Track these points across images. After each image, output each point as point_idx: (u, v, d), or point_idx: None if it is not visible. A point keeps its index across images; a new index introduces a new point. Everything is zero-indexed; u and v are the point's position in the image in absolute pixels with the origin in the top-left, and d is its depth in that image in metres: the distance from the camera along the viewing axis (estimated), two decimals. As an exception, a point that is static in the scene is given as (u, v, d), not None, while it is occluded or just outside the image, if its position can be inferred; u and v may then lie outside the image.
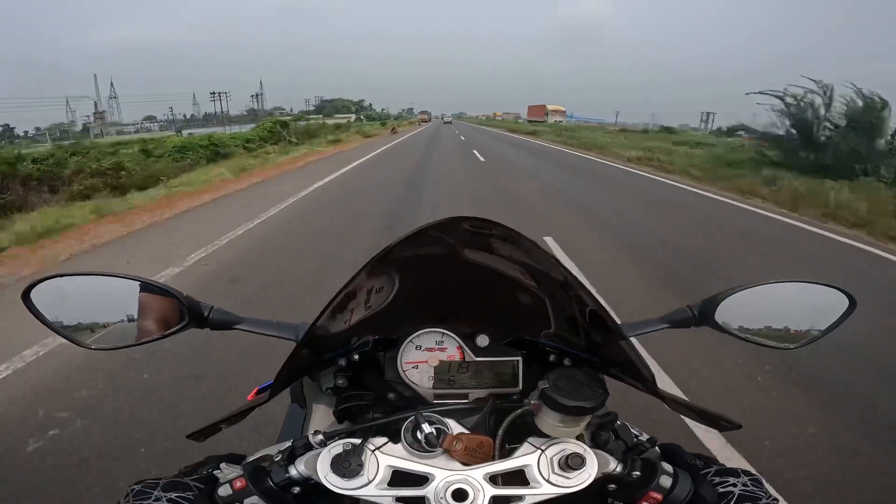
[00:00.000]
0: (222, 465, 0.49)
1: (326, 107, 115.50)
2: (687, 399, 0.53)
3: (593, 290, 0.48)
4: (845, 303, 0.59)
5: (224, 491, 0.46)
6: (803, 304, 0.60)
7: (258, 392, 0.64)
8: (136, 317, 0.55)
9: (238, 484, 0.46)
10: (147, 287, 0.55)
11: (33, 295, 0.52)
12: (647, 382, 0.50)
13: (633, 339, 0.56)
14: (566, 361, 0.61)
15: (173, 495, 0.44)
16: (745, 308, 0.59)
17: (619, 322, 0.49)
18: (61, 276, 0.53)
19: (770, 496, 0.46)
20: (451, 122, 72.71)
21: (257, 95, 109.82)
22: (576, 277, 0.47)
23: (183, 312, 0.56)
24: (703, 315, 0.61)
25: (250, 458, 0.51)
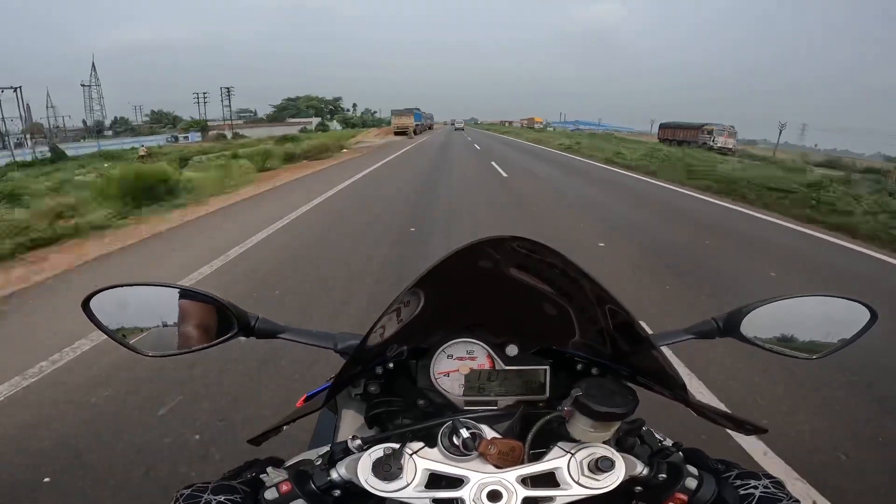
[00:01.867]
0: (268, 470, 0.51)
1: (290, 107, 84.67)
2: (715, 407, 0.54)
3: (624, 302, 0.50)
4: (867, 315, 0.60)
5: (270, 494, 0.48)
6: (826, 317, 0.62)
7: (307, 398, 0.67)
8: (188, 325, 0.59)
9: (284, 488, 0.48)
10: (196, 296, 0.59)
11: (93, 304, 0.56)
12: (677, 391, 0.52)
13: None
14: (594, 370, 0.63)
15: (222, 498, 0.46)
16: (769, 320, 0.61)
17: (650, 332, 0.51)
18: (119, 286, 0.57)
19: (791, 498, 0.48)
20: (462, 129, 63.32)
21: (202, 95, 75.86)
22: (608, 290, 0.49)
23: (231, 321, 0.59)
24: (728, 327, 0.62)
25: (289, 462, 0.53)
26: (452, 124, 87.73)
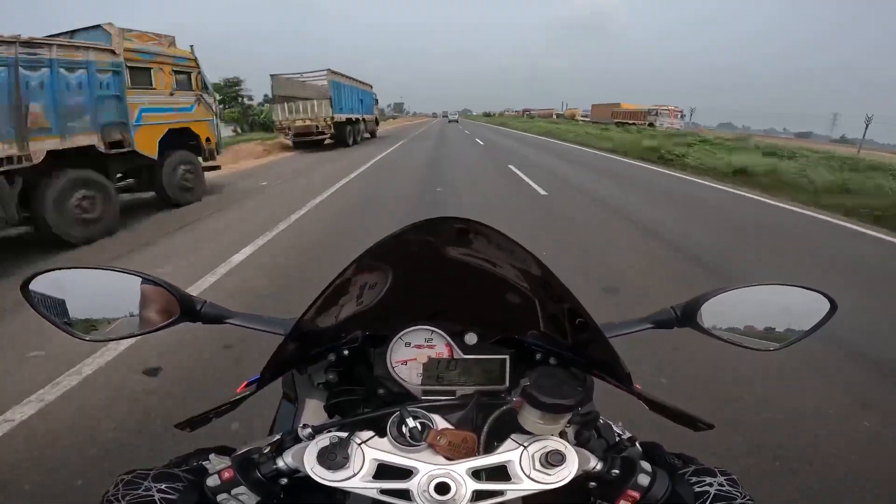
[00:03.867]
0: (211, 457, 0.50)
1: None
2: (664, 400, 0.54)
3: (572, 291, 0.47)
4: (826, 305, 0.60)
5: (212, 481, 0.47)
6: (785, 307, 0.62)
7: (247, 385, 0.65)
8: (131, 310, 0.57)
9: (226, 475, 0.47)
10: (140, 280, 0.57)
11: (32, 287, 0.53)
12: (623, 381, 0.51)
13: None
14: (552, 360, 0.62)
15: (163, 486, 0.45)
16: (728, 310, 0.61)
17: (598, 323, 0.50)
18: (59, 269, 0.55)
19: (745, 496, 0.47)
20: (457, 121, 59.01)
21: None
22: (556, 277, 0.48)
23: (175, 306, 0.57)
24: (686, 316, 0.62)
25: (240, 451, 0.52)
26: (445, 116, 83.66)
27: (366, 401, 0.62)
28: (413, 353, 0.61)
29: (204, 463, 0.50)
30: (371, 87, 21.16)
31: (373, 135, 22.12)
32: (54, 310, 0.55)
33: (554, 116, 69.24)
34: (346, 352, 0.61)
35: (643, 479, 0.49)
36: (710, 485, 0.48)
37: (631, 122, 38.66)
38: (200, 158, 6.94)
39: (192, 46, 6.57)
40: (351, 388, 0.63)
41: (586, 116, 59.96)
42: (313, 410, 0.66)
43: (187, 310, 0.58)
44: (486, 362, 0.62)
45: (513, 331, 0.64)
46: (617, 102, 50.53)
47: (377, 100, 23.09)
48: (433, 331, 0.62)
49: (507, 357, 0.62)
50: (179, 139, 6.38)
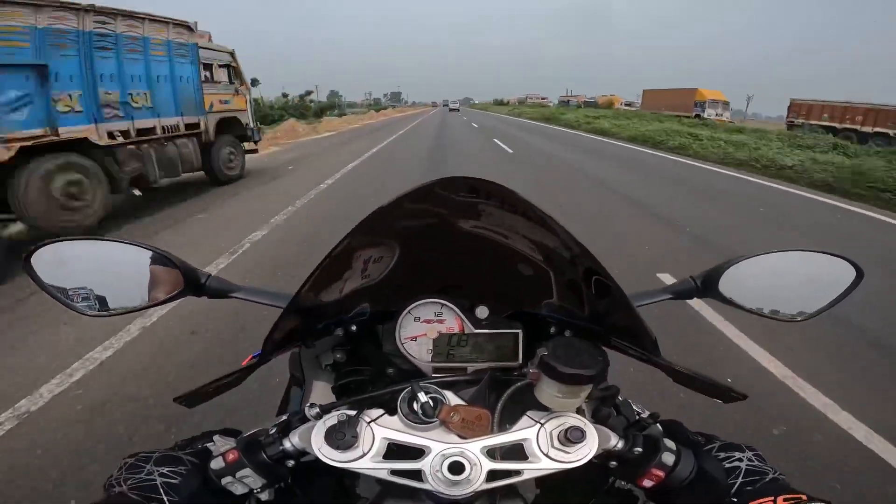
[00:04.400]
0: (215, 438, 0.48)
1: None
2: (691, 370, 0.51)
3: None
4: (852, 273, 0.58)
5: (216, 464, 0.46)
6: (808, 274, 0.59)
7: (251, 359, 0.63)
8: (134, 283, 0.55)
9: (231, 457, 0.45)
10: (147, 254, 0.55)
11: (34, 259, 0.52)
12: (649, 348, 0.49)
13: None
14: (567, 333, 0.60)
15: (166, 469, 0.44)
16: (749, 278, 0.58)
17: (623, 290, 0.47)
18: (61, 240, 0.53)
19: (776, 471, 0.46)
20: (458, 110, 57.95)
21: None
22: (577, 241, 0.45)
23: (180, 280, 0.55)
24: (707, 286, 0.60)
25: (247, 433, 0.50)
26: (445, 105, 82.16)
27: (374, 381, 0.60)
28: (423, 329, 0.59)
29: (208, 445, 0.48)
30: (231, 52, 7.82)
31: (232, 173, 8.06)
32: (57, 282, 0.53)
33: (580, 104, 55.48)
34: (353, 327, 0.59)
35: (668, 458, 0.47)
36: (740, 460, 0.46)
37: (675, 113, 30.48)
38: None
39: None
40: (359, 369, 0.62)
41: (630, 105, 49.53)
42: (321, 392, 0.64)
43: (191, 283, 0.56)
44: (499, 337, 0.60)
45: (526, 303, 0.62)
46: (693, 88, 34.74)
47: (245, 81, 8.11)
48: (443, 304, 0.59)
49: (519, 331, 0.60)
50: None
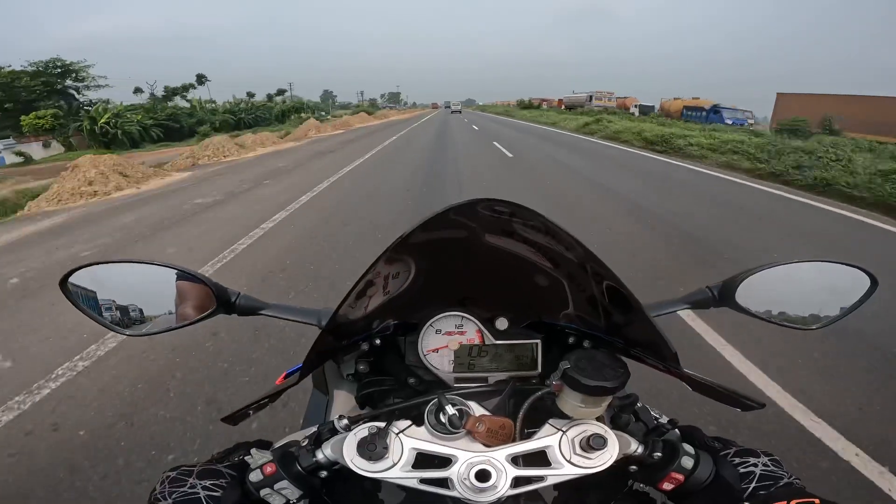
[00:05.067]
0: (252, 451, 0.50)
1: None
2: (711, 380, 0.53)
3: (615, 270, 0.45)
4: (867, 282, 0.59)
5: (255, 476, 0.47)
6: (823, 284, 0.60)
7: (286, 376, 0.65)
8: (167, 303, 0.57)
9: (268, 469, 0.47)
10: (179, 274, 0.57)
11: (70, 282, 0.54)
12: (669, 361, 0.50)
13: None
14: (586, 343, 0.61)
15: (208, 483, 0.45)
16: (765, 289, 0.60)
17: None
18: (97, 264, 0.55)
19: (791, 475, 0.47)
20: (459, 112, 54.90)
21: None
22: (596, 256, 0.47)
23: (211, 299, 0.57)
24: (723, 296, 0.61)
25: (278, 444, 0.52)
26: (447, 107, 79.07)
27: (396, 390, 0.62)
28: (444, 341, 0.61)
29: (245, 458, 0.50)
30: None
31: None
32: (92, 304, 0.56)
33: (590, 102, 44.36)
34: (377, 341, 0.61)
35: (687, 462, 0.49)
36: (755, 465, 0.47)
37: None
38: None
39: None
40: (381, 379, 0.63)
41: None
42: (344, 401, 0.66)
43: (223, 302, 0.58)
44: (518, 347, 0.61)
45: (544, 314, 0.63)
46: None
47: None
48: (463, 317, 0.61)
49: (538, 341, 0.61)
50: None
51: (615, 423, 0.54)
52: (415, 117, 43.25)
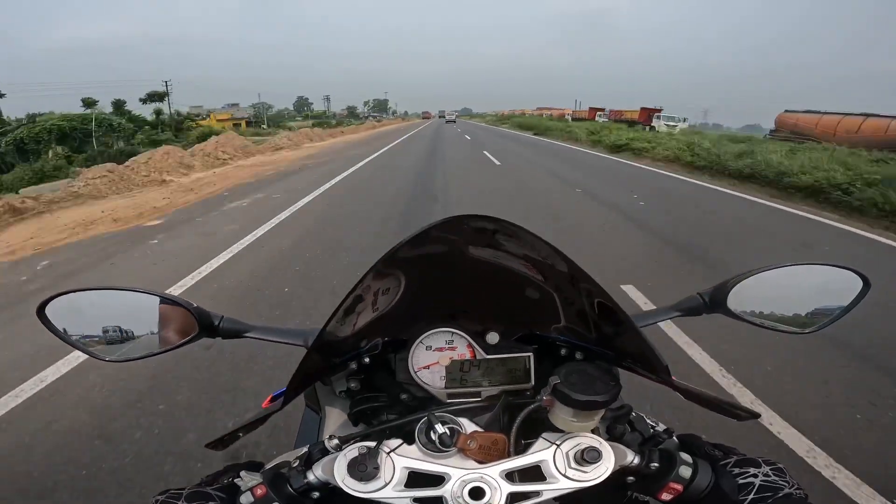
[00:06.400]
0: (242, 474, 0.49)
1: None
2: (703, 390, 0.52)
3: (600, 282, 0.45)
4: (859, 284, 0.58)
5: (245, 499, 0.46)
6: (816, 286, 0.60)
7: (272, 399, 0.64)
8: (149, 329, 0.56)
9: (259, 491, 0.46)
10: (156, 299, 0.56)
11: (48, 310, 0.53)
12: (660, 373, 0.50)
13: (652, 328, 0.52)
14: (578, 355, 0.60)
15: None
16: (757, 293, 0.59)
17: (628, 313, 0.48)
18: (75, 291, 0.55)
19: (794, 484, 0.45)
20: (454, 121, 54.11)
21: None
22: (582, 269, 0.46)
23: (194, 323, 0.57)
24: (715, 302, 0.60)
25: (269, 465, 0.51)
26: (442, 117, 79.22)
27: (389, 407, 0.61)
28: (435, 357, 0.60)
29: (235, 480, 0.49)
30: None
31: None
32: (73, 331, 0.55)
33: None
34: (367, 359, 0.61)
35: (685, 471, 0.48)
36: (755, 475, 0.46)
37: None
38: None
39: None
40: (373, 396, 0.62)
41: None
42: (337, 420, 0.65)
43: (205, 326, 0.58)
44: (510, 361, 0.60)
45: (535, 327, 0.62)
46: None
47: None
48: (454, 332, 0.60)
49: (530, 354, 0.61)
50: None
51: (610, 434, 0.53)
52: (378, 137, 26.52)
